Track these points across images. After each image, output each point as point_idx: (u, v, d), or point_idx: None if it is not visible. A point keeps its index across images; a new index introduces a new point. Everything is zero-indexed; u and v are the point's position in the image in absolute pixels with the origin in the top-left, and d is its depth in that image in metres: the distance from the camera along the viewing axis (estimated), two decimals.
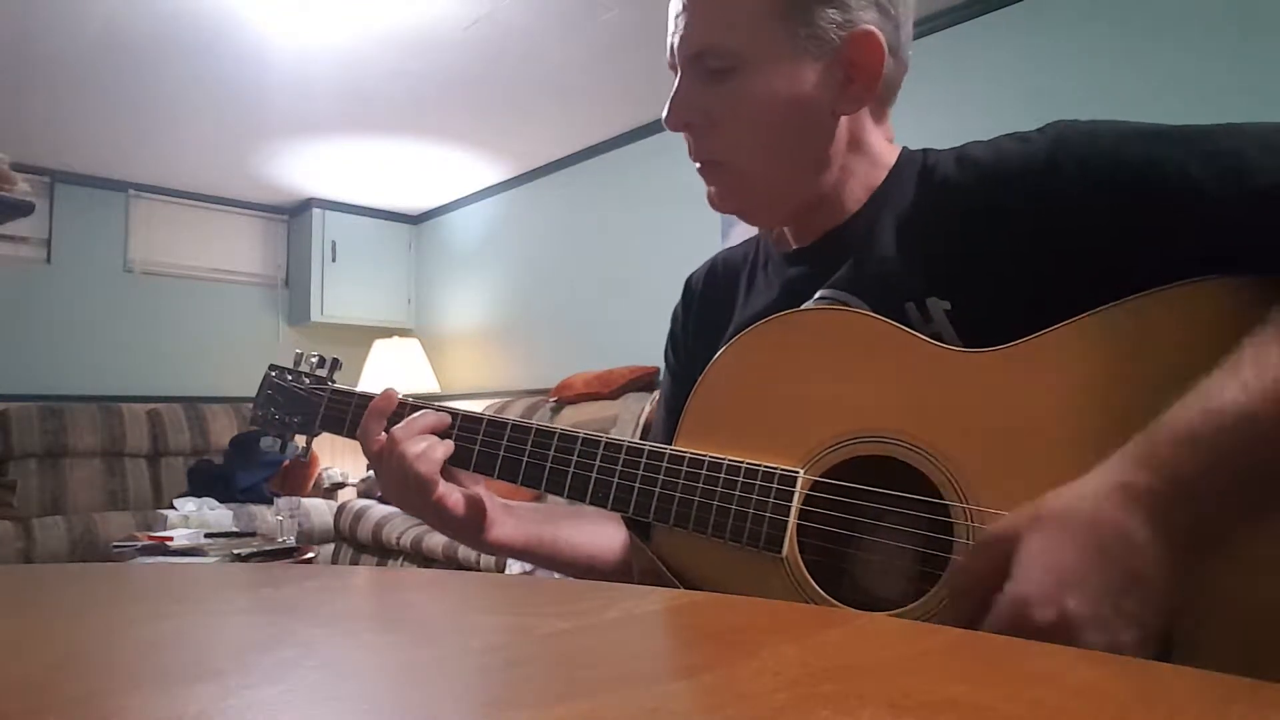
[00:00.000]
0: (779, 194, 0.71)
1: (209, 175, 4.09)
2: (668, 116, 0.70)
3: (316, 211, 4.46)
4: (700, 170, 0.72)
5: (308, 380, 0.87)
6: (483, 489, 0.76)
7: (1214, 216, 0.53)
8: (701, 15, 0.67)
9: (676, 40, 0.69)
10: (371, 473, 3.83)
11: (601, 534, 0.81)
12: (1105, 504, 0.46)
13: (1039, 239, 0.59)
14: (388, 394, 0.78)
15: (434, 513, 0.73)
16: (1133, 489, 0.46)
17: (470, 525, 0.75)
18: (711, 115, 0.68)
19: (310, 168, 3.98)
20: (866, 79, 0.66)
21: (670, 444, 0.68)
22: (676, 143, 0.73)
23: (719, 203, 0.72)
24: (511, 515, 0.77)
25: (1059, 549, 0.46)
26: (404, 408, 0.77)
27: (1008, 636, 0.41)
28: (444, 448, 0.73)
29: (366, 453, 0.76)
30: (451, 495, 0.73)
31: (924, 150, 0.72)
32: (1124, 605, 0.45)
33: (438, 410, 0.76)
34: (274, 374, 0.88)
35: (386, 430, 0.75)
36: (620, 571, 0.80)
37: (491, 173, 4.11)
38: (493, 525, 0.76)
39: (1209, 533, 0.46)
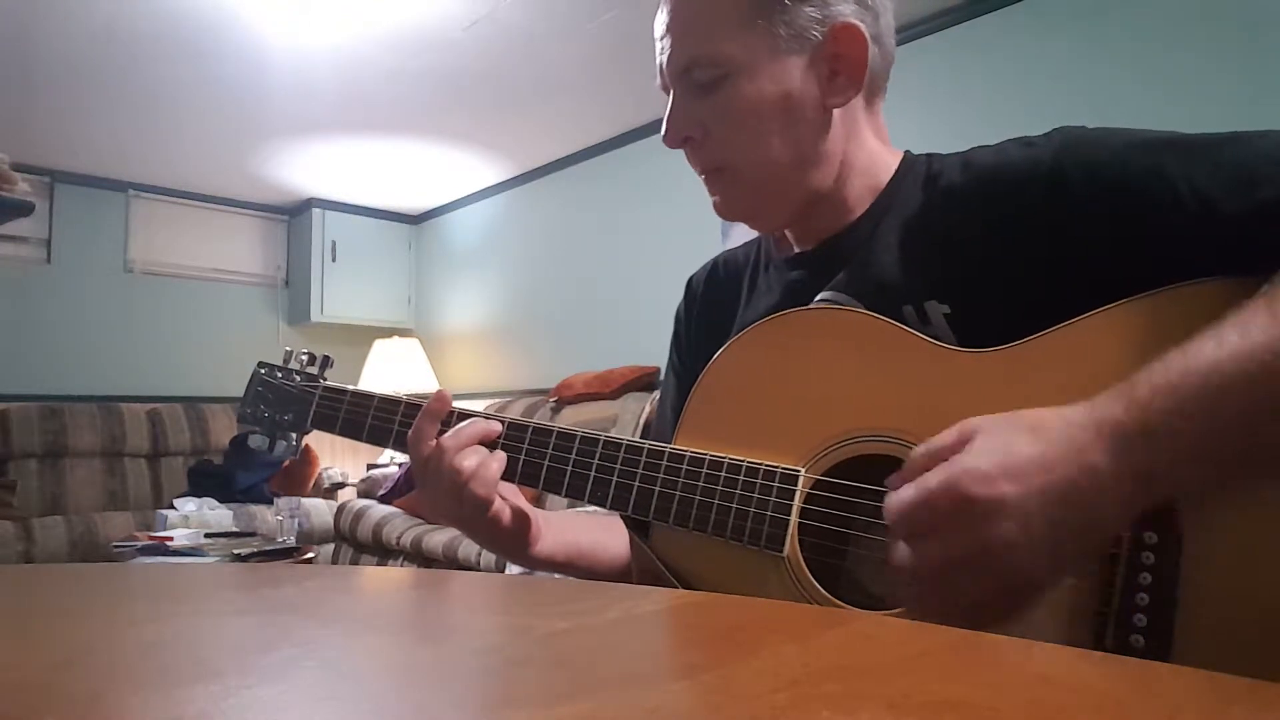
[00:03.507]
0: (782, 193, 0.71)
1: (209, 175, 4.08)
2: (665, 135, 0.71)
3: (316, 211, 4.45)
4: (705, 181, 0.73)
5: (298, 378, 0.86)
6: (524, 501, 0.74)
7: (1222, 228, 0.53)
8: (682, 32, 0.69)
9: (664, 60, 0.71)
10: (372, 473, 3.86)
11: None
12: (1075, 428, 0.48)
13: (1043, 245, 0.60)
14: (441, 396, 0.73)
15: (484, 530, 0.70)
16: (1105, 423, 0.47)
17: (515, 540, 0.73)
18: (706, 126, 0.70)
19: (310, 168, 3.98)
20: (851, 70, 0.68)
21: (670, 443, 0.68)
22: None
23: (724, 210, 0.72)
24: (552, 527, 0.75)
25: (1016, 443, 0.47)
26: (452, 415, 0.73)
27: (991, 626, 0.41)
28: (498, 464, 0.69)
29: (414, 458, 0.72)
30: (503, 513, 0.71)
31: (928, 155, 0.72)
32: (1054, 514, 0.46)
33: (487, 418, 0.72)
34: (263, 371, 0.87)
35: (437, 437, 0.71)
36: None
37: (491, 173, 4.11)
38: (536, 539, 0.74)
39: (1168, 479, 0.47)
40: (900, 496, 0.49)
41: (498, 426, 0.72)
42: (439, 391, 0.74)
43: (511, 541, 0.73)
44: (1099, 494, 0.46)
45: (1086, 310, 0.55)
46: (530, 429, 0.72)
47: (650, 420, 0.89)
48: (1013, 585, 0.47)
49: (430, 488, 0.71)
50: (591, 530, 0.80)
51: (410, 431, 0.73)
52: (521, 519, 0.73)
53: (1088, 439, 0.47)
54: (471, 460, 0.69)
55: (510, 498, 0.72)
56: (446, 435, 0.70)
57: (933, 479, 0.47)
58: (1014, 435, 0.48)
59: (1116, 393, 0.48)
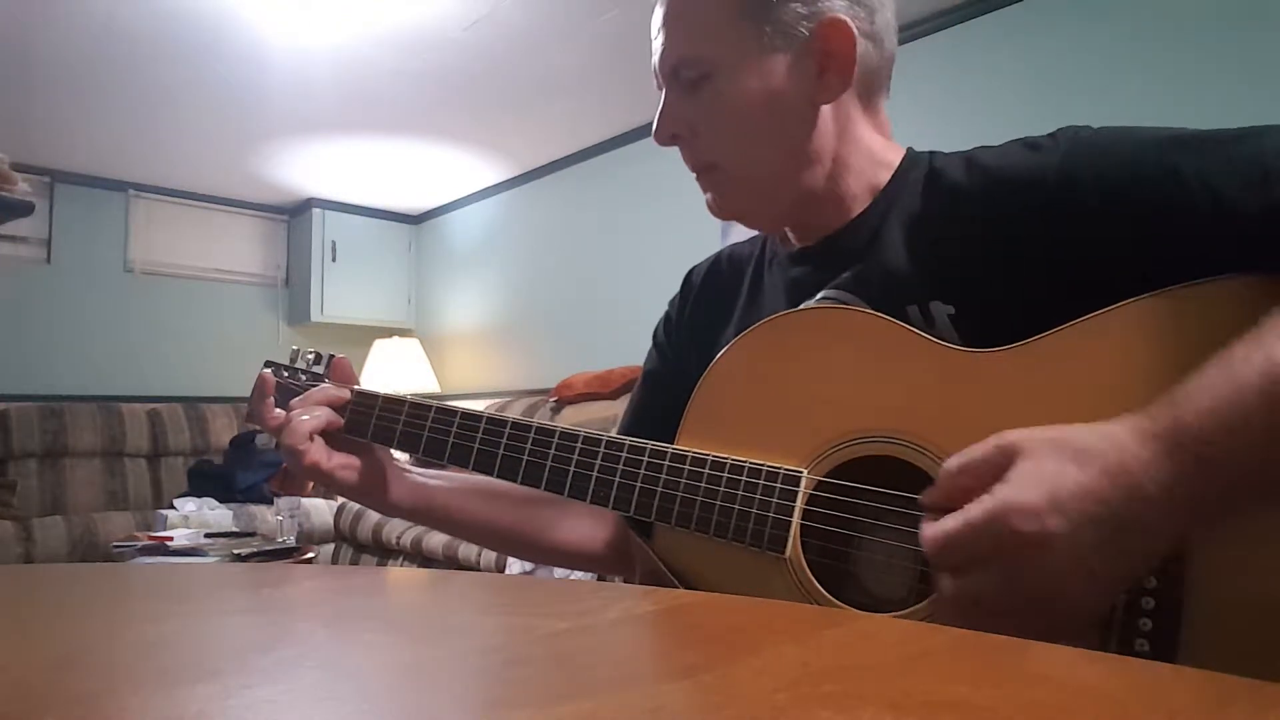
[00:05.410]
0: (772, 191, 0.71)
1: (209, 175, 4.08)
2: (656, 132, 0.72)
3: (316, 211, 4.45)
4: (698, 179, 0.73)
5: (304, 377, 0.86)
6: (386, 459, 0.80)
7: (1237, 225, 0.52)
8: (673, 30, 0.69)
9: (656, 59, 0.71)
10: None
11: (526, 515, 0.84)
12: (1127, 455, 0.46)
13: (1051, 248, 0.59)
14: (262, 376, 0.83)
15: (322, 478, 0.77)
16: (1156, 450, 0.45)
17: (368, 489, 0.79)
18: (694, 124, 0.70)
19: (310, 168, 3.98)
20: (840, 66, 0.67)
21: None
22: None
23: (717, 209, 0.73)
24: (406, 482, 0.81)
25: (1062, 473, 0.46)
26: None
27: (1004, 634, 0.41)
28: (318, 420, 0.76)
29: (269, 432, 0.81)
30: (333, 461, 0.76)
31: (930, 153, 0.71)
32: (1105, 550, 0.45)
33: (359, 391, 0.81)
34: (269, 370, 0.88)
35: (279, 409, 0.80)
36: (530, 549, 0.85)
37: (491, 173, 4.11)
38: (389, 489, 0.80)
39: (1224, 506, 0.46)
40: (942, 528, 0.47)
41: (338, 394, 0.80)
42: (260, 373, 0.83)
43: (361, 490, 0.78)
44: (1152, 526, 0.45)
45: (1093, 311, 0.54)
46: (533, 429, 0.72)
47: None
48: (1063, 615, 0.46)
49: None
50: (465, 495, 0.83)
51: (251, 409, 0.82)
52: (373, 471, 0.79)
53: (1139, 467, 0.45)
54: (298, 418, 0.76)
55: (356, 453, 0.78)
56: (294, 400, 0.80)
57: (977, 511, 0.46)
58: (1060, 462, 0.46)
59: (1160, 414, 0.46)
